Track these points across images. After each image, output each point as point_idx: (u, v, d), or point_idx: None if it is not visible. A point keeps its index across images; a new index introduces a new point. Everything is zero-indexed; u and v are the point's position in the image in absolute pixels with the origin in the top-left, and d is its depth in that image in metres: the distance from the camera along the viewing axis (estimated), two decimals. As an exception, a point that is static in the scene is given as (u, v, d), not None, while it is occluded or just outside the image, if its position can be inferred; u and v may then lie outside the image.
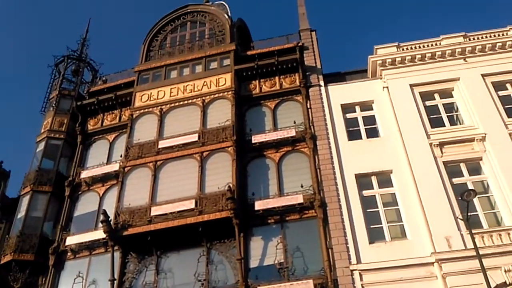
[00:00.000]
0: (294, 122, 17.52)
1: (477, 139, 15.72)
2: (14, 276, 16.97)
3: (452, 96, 17.44)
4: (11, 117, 61.54)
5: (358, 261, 13.99)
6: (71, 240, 17.12)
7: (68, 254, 17.15)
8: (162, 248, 15.94)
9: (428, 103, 17.23)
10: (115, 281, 15.43)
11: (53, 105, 20.70)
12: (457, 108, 17.19)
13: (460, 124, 16.80)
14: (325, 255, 14.42)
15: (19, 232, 17.50)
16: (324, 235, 14.81)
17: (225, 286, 14.75)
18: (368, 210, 15.08)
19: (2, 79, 60.55)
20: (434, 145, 15.81)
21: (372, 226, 14.73)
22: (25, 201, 18.43)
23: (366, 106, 17.80)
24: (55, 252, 17.11)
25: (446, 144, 15.82)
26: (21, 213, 18.29)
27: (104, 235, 16.08)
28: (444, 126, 16.55)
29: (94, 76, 22.72)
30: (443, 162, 15.48)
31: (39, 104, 24.44)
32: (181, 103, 18.76)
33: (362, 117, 17.54)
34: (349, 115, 17.63)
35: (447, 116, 16.88)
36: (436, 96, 17.46)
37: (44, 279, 17.12)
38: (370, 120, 17.45)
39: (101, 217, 15.70)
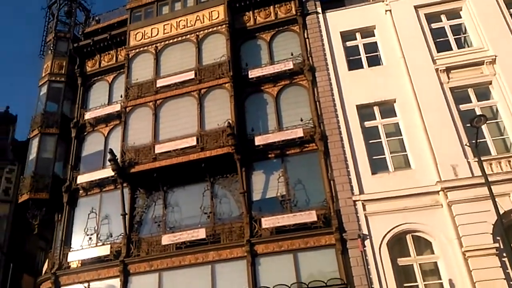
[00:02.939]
0: (292, 54, 15.30)
1: (486, 62, 13.38)
2: (32, 214, 16.46)
3: (460, 17, 14.73)
4: (13, 63, 59.46)
5: (361, 191, 12.52)
6: (82, 179, 16.18)
7: (80, 191, 16.27)
8: (168, 184, 14.94)
9: (434, 25, 14.64)
10: (127, 215, 14.67)
11: (51, 48, 18.74)
12: (465, 29, 14.57)
13: (468, 46, 14.30)
14: (327, 187, 13.04)
15: (32, 173, 16.62)
16: (326, 167, 13.30)
17: (230, 218, 13.79)
18: (371, 141, 13.30)
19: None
20: (440, 70, 13.56)
21: (374, 157, 13.03)
22: (34, 144, 17.31)
23: (367, 32, 15.30)
24: (68, 190, 16.22)
25: (453, 69, 13.52)
26: (32, 155, 17.27)
27: (112, 173, 15.11)
28: (451, 49, 14.09)
29: (87, 16, 20.33)
30: (450, 88, 13.31)
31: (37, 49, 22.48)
32: (175, 40, 16.56)
33: (363, 44, 15.09)
34: (349, 43, 15.22)
35: (455, 38, 14.31)
36: (443, 17, 14.79)
37: (59, 215, 16.52)
38: (371, 48, 15.04)
39: (109, 156, 14.66)
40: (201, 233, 13.56)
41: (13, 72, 58.82)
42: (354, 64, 14.76)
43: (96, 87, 18.09)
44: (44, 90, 18.06)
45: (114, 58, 18.01)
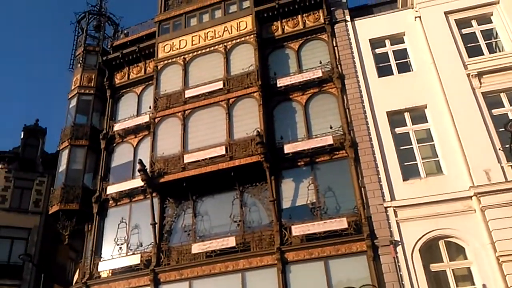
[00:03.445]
0: (320, 62, 16.43)
1: (518, 66, 14.23)
2: (63, 224, 17.75)
3: (491, 22, 15.64)
4: (42, 77, 62.69)
5: (392, 198, 13.37)
6: (112, 189, 17.47)
7: (110, 202, 17.54)
8: (197, 193, 16.05)
9: (464, 31, 15.57)
10: (156, 225, 15.76)
11: (80, 61, 20.39)
12: (497, 34, 15.46)
13: (500, 51, 15.12)
14: (357, 194, 13.92)
15: (62, 184, 17.96)
16: (356, 174, 14.22)
17: (260, 226, 14.72)
18: (402, 148, 14.19)
19: (27, 41, 61.05)
20: (472, 75, 14.42)
21: (406, 164, 13.89)
22: (64, 155, 18.76)
23: (396, 39, 16.33)
24: (97, 201, 17.54)
25: (485, 74, 14.36)
26: (62, 167, 18.70)
27: (141, 183, 16.31)
28: (483, 54, 14.95)
29: (116, 30, 22.14)
30: (482, 93, 14.13)
31: (66, 63, 24.35)
32: (203, 51, 17.95)
33: (393, 51, 16.12)
34: (378, 51, 16.26)
35: (486, 43, 15.18)
36: (474, 22, 15.72)
37: (89, 225, 17.77)
38: (401, 54, 16.06)
39: (138, 167, 15.88)
40: (231, 242, 14.52)
41: (42, 85, 62.25)
42: (383, 71, 15.77)
43: (124, 99, 19.60)
44: (73, 102, 19.65)
45: (143, 70, 19.52)
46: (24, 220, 21.68)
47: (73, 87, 20.08)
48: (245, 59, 16.95)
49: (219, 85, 16.73)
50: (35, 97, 63.13)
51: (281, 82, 16.39)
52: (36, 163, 22.86)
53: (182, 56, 18.17)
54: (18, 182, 22.58)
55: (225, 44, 17.67)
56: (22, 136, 23.67)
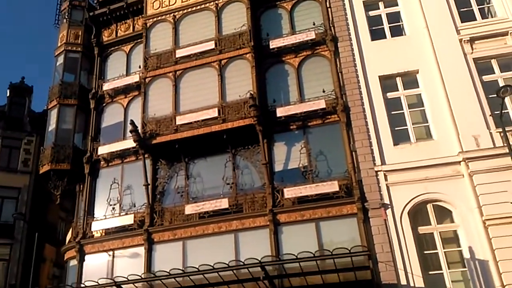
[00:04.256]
0: (313, 24, 15.83)
1: (510, 33, 13.89)
2: (54, 184, 17.42)
3: (484, -14, 15.26)
4: (26, 33, 59.89)
5: (383, 162, 13.34)
6: (103, 150, 17.07)
7: (101, 162, 17.18)
8: (189, 155, 15.80)
9: (458, -6, 15.14)
10: (149, 186, 15.56)
11: (66, 17, 19.31)
12: (490, -1, 15.13)
13: (492, 17, 14.79)
14: (349, 158, 13.86)
15: (52, 144, 17.50)
16: (348, 138, 14.10)
17: (252, 189, 14.66)
18: (393, 112, 14.01)
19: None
20: (464, 41, 14.12)
21: (396, 128, 13.77)
22: (53, 114, 18.17)
23: (390, 1, 15.72)
24: (89, 161, 17.15)
25: (477, 40, 14.08)
26: (51, 126, 18.17)
27: (133, 144, 16.01)
28: (475, 19, 14.61)
29: (102, -16, 20.75)
30: (473, 59, 13.89)
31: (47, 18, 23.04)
32: (194, 8, 17.12)
33: (386, 14, 15.57)
34: (372, 13, 15.68)
35: (479, 8, 14.80)
36: (467, -14, 15.29)
37: (81, 186, 17.49)
38: (395, 17, 15.54)
39: (130, 127, 15.49)
40: (224, 203, 14.50)
41: (26, 42, 59.51)
42: (377, 34, 15.29)
43: (113, 57, 18.78)
44: (60, 60, 18.77)
45: (131, 27, 18.62)
46: (14, 180, 21.26)
47: (59, 44, 19.12)
48: (237, 18, 16.25)
49: (211, 45, 16.11)
50: (20, 55, 60.59)
51: (274, 44, 15.82)
52: (23, 122, 22.12)
53: (172, 14, 17.31)
54: (6, 141, 21.94)
55: (216, 1, 16.84)
56: (8, 94, 22.75)
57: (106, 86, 17.93)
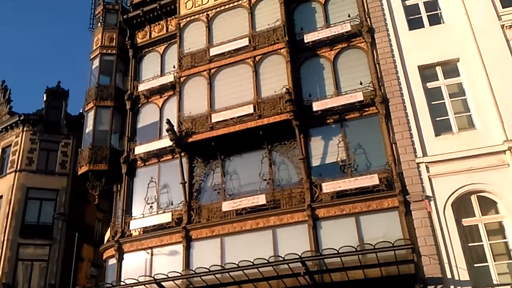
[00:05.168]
0: (349, 16, 16.08)
1: (555, 17, 13.83)
2: (92, 185, 18.20)
3: (527, -32, 15.10)
4: (62, 38, 62.34)
5: (424, 153, 13.40)
6: (139, 150, 17.77)
7: (138, 162, 17.87)
8: (225, 152, 16.27)
9: (498, -21, 15.06)
10: (186, 184, 16.07)
11: (100, 20, 20.24)
12: (533, -18, 14.95)
13: (536, 0, 14.72)
14: (389, 150, 13.99)
15: (90, 145, 18.27)
16: (387, 130, 14.23)
17: (289, 184, 14.95)
18: (433, 103, 14.06)
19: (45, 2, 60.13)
20: (506, 26, 14.03)
21: (437, 119, 13.82)
22: (90, 116, 19.01)
23: (427, -11, 15.87)
24: (126, 161, 17.88)
25: (520, 25, 14.06)
26: (88, 128, 19.01)
27: (169, 143, 16.60)
28: (518, 4, 14.58)
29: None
30: (517, 44, 13.89)
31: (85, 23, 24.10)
32: (227, 6, 17.69)
33: (424, 2, 15.57)
34: (408, 2, 15.74)
35: (521, -8, 14.78)
36: (508, -31, 15.19)
37: (118, 186, 18.22)
38: (432, 6, 15.55)
39: (166, 127, 16.09)
40: (261, 199, 14.84)
41: (62, 47, 62.08)
42: (414, 23, 15.36)
43: (147, 59, 19.55)
44: (96, 63, 19.68)
45: (165, 28, 19.35)
46: (52, 182, 22.35)
47: (94, 47, 20.03)
48: (270, 14, 16.69)
49: (245, 42, 16.58)
50: (56, 59, 63.19)
51: (308, 38, 16.14)
52: (60, 125, 23.25)
53: (205, 13, 17.93)
54: (44, 144, 23.12)
55: (249, -2, 17.31)
56: (45, 99, 23.98)
57: (141, 87, 18.68)
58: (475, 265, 12.11)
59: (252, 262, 12.38)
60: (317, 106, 15.13)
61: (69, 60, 62.08)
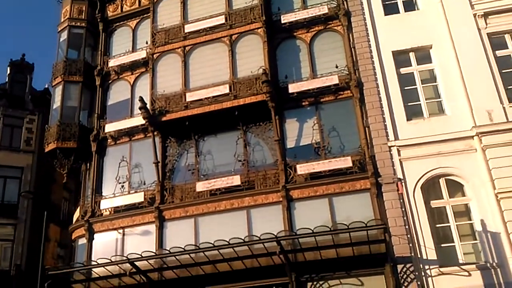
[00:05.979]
0: (326, -3, 16.30)
1: (525, 8, 14.52)
2: (60, 163, 17.85)
3: (499, -41, 15.69)
4: (25, 8, 59.42)
5: (396, 137, 14.01)
6: (110, 128, 17.55)
7: (109, 140, 17.66)
8: (199, 132, 16.32)
9: (472, -33, 15.61)
10: (159, 163, 16.05)
11: (69, -10, 19.51)
12: (505, -28, 15.57)
13: (507, -10, 15.36)
14: (362, 134, 14.48)
15: (58, 122, 17.85)
16: (361, 114, 14.69)
17: (264, 165, 15.24)
18: (406, 88, 14.63)
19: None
20: (478, 15, 14.66)
21: (409, 104, 14.42)
22: (58, 92, 18.51)
23: (403, -25, 16.25)
24: (96, 139, 17.63)
25: (491, 14, 14.61)
26: (56, 104, 18.54)
27: (141, 122, 16.48)
28: (490, -7, 15.20)
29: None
30: (487, 34, 14.47)
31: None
32: (203, -18, 17.41)
33: (399, -13, 16.12)
34: (385, -13, 16.22)
35: (494, -19, 15.39)
36: (482, -41, 15.75)
37: (88, 164, 17.96)
38: (408, -9, 16.09)
39: (139, 104, 15.89)
40: (235, 180, 15.08)
41: (28, 18, 59.05)
42: (390, 9, 15.79)
43: (118, 33, 19.13)
44: (64, 36, 19.09)
45: (137, 2, 18.92)
46: (16, 159, 21.80)
47: (62, 19, 19.39)
48: (247, -8, 16.56)
49: (221, 19, 16.53)
50: (21, 31, 60.26)
51: (286, 18, 16.27)
52: (25, 100, 22.54)
53: (180, -13, 17.64)
54: (7, 120, 22.42)
55: (225, -25, 17.14)
56: (8, 72, 23.11)
57: (112, 63, 18.33)
58: (442, 245, 12.89)
59: (228, 242, 12.69)
60: (293, 88, 15.39)
61: (34, 32, 59.42)
